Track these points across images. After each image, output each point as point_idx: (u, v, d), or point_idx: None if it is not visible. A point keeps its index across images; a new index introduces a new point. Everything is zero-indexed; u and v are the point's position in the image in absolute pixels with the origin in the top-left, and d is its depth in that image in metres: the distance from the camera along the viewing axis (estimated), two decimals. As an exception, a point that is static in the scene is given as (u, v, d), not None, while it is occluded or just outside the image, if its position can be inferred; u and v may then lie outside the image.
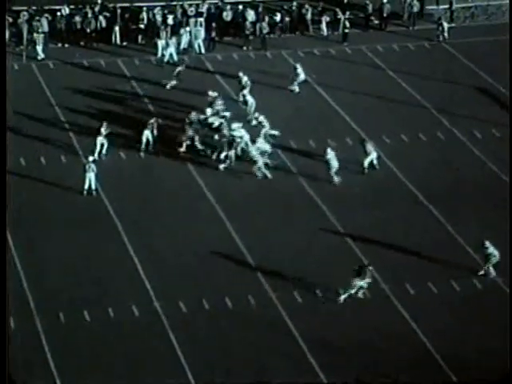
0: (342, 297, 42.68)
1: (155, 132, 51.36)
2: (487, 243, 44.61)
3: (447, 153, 53.01)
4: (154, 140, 51.35)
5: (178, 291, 43.06)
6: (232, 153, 51.09)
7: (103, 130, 50.92)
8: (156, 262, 44.81)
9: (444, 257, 45.46)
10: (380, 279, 44.12)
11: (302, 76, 57.28)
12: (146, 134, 51.27)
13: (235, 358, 39.79)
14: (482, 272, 44.82)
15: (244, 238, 46.29)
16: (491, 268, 44.60)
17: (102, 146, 50.78)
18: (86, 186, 48.34)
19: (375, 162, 50.81)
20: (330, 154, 49.97)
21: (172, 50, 60.74)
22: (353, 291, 42.70)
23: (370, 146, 51.11)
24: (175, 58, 60.64)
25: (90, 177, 48.30)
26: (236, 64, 60.34)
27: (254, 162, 50.34)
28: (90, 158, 48.66)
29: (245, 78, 55.79)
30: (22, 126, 53.23)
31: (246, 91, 55.01)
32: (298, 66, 57.63)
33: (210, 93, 53.76)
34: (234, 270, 44.68)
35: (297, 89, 57.31)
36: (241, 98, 55.16)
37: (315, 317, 42.21)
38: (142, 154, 51.66)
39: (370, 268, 42.99)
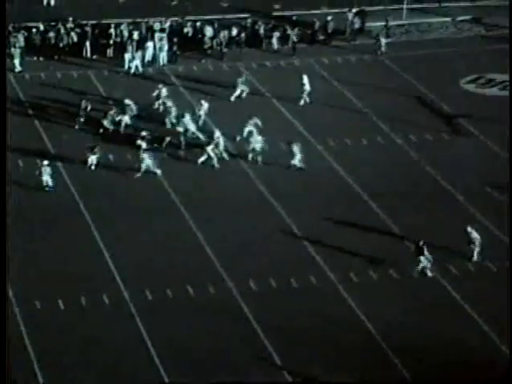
0: (419, 268, 43.25)
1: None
2: (469, 228, 44.31)
3: (386, 155, 52.67)
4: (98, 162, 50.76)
5: (143, 281, 42.46)
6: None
7: (96, 151, 49.73)
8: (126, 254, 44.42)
9: (384, 248, 44.90)
10: (328, 269, 43.63)
11: (307, 87, 56.27)
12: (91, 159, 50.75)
13: (197, 343, 39.34)
14: (475, 258, 44.22)
15: (204, 233, 45.69)
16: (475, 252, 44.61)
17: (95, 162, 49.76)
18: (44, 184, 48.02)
19: (298, 162, 50.50)
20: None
21: (137, 62, 60.30)
22: (420, 266, 43.03)
23: (296, 148, 50.68)
24: (140, 69, 60.20)
25: (47, 179, 47.65)
26: (195, 75, 59.89)
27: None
28: (45, 162, 47.71)
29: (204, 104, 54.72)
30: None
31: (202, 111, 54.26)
32: (305, 77, 56.59)
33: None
34: (195, 262, 44.06)
35: (307, 100, 56.46)
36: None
37: (270, 304, 41.61)
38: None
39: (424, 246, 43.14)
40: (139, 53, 61.12)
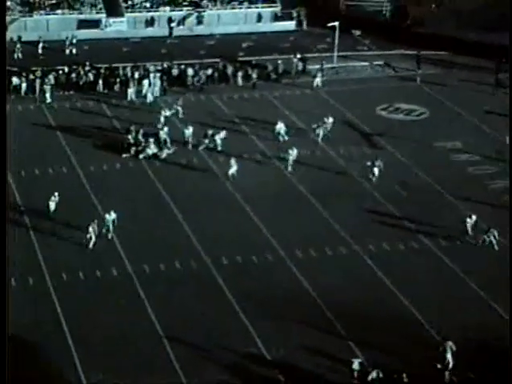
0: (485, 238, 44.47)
1: None
2: (468, 219, 44.76)
3: (323, 164, 52.78)
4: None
5: (142, 255, 42.73)
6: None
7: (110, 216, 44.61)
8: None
9: (325, 233, 45.61)
10: (279, 248, 44.06)
11: (330, 122, 55.58)
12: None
13: (182, 311, 39.15)
14: (479, 241, 44.38)
15: (190, 223, 45.87)
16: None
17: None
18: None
19: (235, 173, 50.05)
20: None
21: (149, 95, 60.45)
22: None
23: (233, 161, 50.08)
24: (135, 99, 60.22)
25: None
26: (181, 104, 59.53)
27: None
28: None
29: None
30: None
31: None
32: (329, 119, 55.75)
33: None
34: (173, 242, 44.19)
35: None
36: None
37: (240, 277, 42.01)
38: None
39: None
40: (151, 86, 60.69)
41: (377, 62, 69.17)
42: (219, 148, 53.26)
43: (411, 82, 65.42)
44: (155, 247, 44.01)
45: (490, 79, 64.64)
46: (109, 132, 56.20)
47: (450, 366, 36.12)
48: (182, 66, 64.48)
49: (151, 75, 62.41)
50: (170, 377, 35.72)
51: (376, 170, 50.70)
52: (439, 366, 35.99)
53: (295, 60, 66.65)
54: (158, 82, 62.07)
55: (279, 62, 66.00)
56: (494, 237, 44.51)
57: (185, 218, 46.51)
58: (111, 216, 44.12)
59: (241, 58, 68.35)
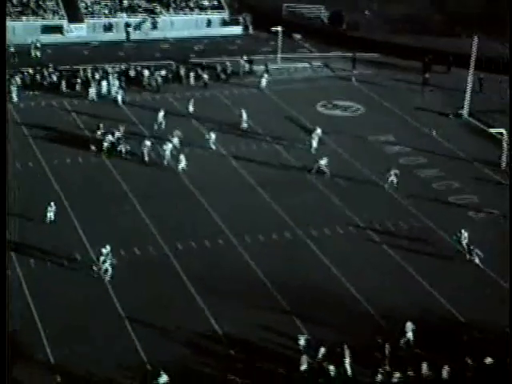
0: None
1: None
2: (463, 231, 42.27)
3: (268, 156, 52.61)
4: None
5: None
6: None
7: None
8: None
9: (271, 220, 45.28)
10: (229, 233, 43.79)
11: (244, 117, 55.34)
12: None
13: (141, 294, 38.71)
14: (474, 258, 41.51)
15: (148, 212, 45.44)
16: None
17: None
18: None
19: (185, 166, 49.66)
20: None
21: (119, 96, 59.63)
22: None
23: (181, 156, 49.63)
24: (95, 98, 59.47)
25: None
26: (138, 103, 59.57)
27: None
28: None
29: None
30: None
31: None
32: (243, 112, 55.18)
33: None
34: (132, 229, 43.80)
35: (245, 125, 55.28)
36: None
37: (194, 260, 41.64)
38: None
39: None
40: (111, 86, 60.05)
41: (316, 63, 69.23)
42: (175, 144, 52.35)
43: (347, 81, 65.48)
44: (115, 234, 43.39)
45: (417, 79, 64.95)
46: (71, 128, 55.31)
47: (411, 342, 36.01)
48: (139, 68, 64.03)
49: (110, 76, 61.80)
50: (132, 355, 35.24)
51: (394, 178, 48.82)
52: (380, 340, 35.74)
53: (242, 62, 66.45)
54: (117, 83, 61.41)
55: (228, 63, 65.78)
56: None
57: (143, 208, 45.99)
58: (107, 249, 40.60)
59: (192, 60, 67.91)
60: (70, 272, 40.15)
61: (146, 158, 50.74)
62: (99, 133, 52.93)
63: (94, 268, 40.07)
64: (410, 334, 35.98)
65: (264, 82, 63.43)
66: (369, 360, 34.73)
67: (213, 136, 53.19)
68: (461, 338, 36.68)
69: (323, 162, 50.12)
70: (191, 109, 58.17)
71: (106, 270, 39.85)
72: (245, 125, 56.03)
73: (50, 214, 43.90)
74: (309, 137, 54.17)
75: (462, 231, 42.65)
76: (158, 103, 59.75)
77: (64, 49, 68.56)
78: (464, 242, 42.46)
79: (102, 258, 39.91)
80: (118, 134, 52.74)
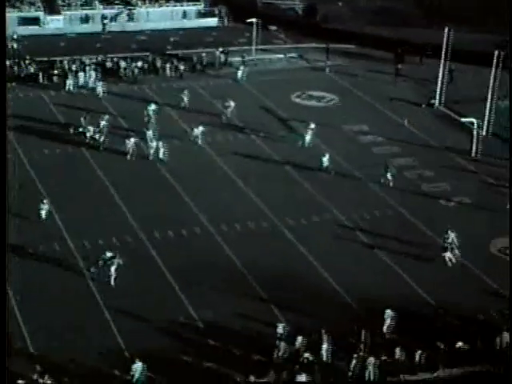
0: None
1: None
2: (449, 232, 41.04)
3: (245, 147, 52.46)
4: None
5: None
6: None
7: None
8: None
9: (247, 209, 45.41)
10: (206, 222, 43.84)
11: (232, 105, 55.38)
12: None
13: (119, 283, 38.57)
14: (452, 259, 40.69)
15: (126, 203, 45.41)
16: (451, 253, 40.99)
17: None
18: None
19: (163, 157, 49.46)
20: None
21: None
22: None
23: (160, 144, 49.55)
24: (73, 90, 59.37)
25: None
26: (116, 93, 59.41)
27: None
28: None
29: None
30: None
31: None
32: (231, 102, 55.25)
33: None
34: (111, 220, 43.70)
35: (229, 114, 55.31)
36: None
37: (171, 249, 41.78)
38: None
39: None
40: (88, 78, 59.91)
41: (291, 55, 68.96)
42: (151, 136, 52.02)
43: (322, 72, 65.51)
44: (94, 224, 43.38)
45: (391, 69, 65.12)
46: (49, 119, 55.01)
47: (391, 329, 36.24)
48: (115, 59, 63.73)
49: (87, 68, 61.54)
50: (111, 344, 35.28)
51: (389, 176, 48.29)
52: (356, 327, 36.01)
53: (218, 53, 65.97)
54: (93, 74, 61.16)
55: (203, 54, 65.39)
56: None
57: (121, 198, 45.92)
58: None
59: (169, 52, 67.38)
60: (50, 263, 40.05)
61: (129, 158, 49.98)
62: (83, 123, 52.60)
63: (93, 270, 39.24)
64: (388, 321, 36.17)
65: (240, 73, 63.14)
66: (346, 347, 34.93)
67: (199, 130, 52.41)
68: (436, 324, 36.98)
69: (325, 158, 49.57)
70: (186, 101, 57.57)
71: (109, 276, 38.77)
72: (228, 115, 55.79)
73: (43, 212, 43.23)
74: (288, 128, 54.43)
75: (449, 232, 41.72)
76: (137, 94, 59.62)
77: (41, 40, 68.02)
78: (448, 241, 41.76)
79: (101, 263, 38.89)
80: (102, 122, 52.43)
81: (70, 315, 36.52)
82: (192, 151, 51.88)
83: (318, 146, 53.18)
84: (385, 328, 36.20)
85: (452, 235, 41.40)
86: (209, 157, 51.37)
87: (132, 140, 50.64)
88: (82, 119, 52.91)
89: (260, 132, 54.73)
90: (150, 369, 33.53)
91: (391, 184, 48.00)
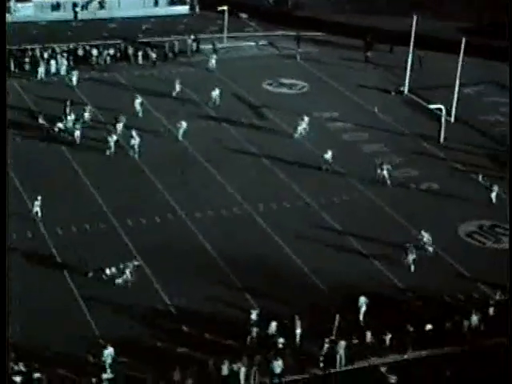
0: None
1: None
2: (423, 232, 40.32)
3: (216, 133, 52.51)
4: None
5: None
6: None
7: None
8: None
9: (219, 195, 45.35)
10: (178, 208, 43.85)
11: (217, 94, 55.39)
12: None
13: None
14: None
15: (101, 193, 45.30)
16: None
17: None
18: None
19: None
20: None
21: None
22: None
23: (119, 127, 49.72)
24: (44, 77, 58.95)
25: None
26: (87, 81, 58.85)
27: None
28: None
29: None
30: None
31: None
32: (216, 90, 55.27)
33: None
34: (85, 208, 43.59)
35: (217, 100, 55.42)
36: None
37: (144, 236, 41.63)
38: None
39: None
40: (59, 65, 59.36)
41: (262, 42, 68.87)
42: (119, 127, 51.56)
43: (292, 60, 65.38)
44: (67, 211, 43.22)
45: (361, 57, 65.16)
46: (20, 107, 54.40)
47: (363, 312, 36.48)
48: (87, 47, 63.19)
49: (58, 56, 60.97)
50: (86, 331, 35.26)
51: (386, 174, 47.02)
52: (331, 312, 36.09)
53: (189, 41, 65.79)
54: (65, 62, 60.68)
55: (175, 42, 65.09)
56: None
57: (94, 187, 45.71)
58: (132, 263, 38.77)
59: (140, 39, 67.02)
60: (22, 250, 39.81)
61: (108, 153, 49.25)
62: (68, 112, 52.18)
63: (119, 281, 37.93)
64: (364, 309, 36.25)
65: (213, 62, 62.58)
66: (319, 332, 35.01)
67: (184, 125, 51.71)
68: (404, 308, 37.29)
69: (328, 155, 48.78)
70: (178, 89, 57.05)
71: (126, 281, 37.97)
72: (216, 103, 55.80)
73: (37, 209, 42.44)
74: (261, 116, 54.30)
75: (423, 232, 41.33)
76: (107, 82, 59.27)
77: (12, 28, 65.85)
78: (421, 241, 41.43)
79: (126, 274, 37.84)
80: (86, 115, 52.28)
81: (44, 303, 36.34)
82: (164, 138, 51.63)
83: (288, 132, 53.17)
84: (361, 316, 36.31)
85: (426, 235, 41.07)
86: (180, 143, 51.19)
87: (114, 137, 49.70)
88: (65, 111, 52.35)
89: (231, 118, 54.66)
90: (124, 355, 33.48)
91: (387, 179, 46.84)
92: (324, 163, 48.56)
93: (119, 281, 37.71)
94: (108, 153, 49.05)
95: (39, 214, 42.47)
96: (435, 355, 35.06)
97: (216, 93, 56.29)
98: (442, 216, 44.26)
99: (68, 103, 53.01)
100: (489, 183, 46.54)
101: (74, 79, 58.65)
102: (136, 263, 38.40)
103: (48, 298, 36.81)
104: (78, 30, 68.76)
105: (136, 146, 49.36)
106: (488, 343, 35.46)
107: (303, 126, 52.65)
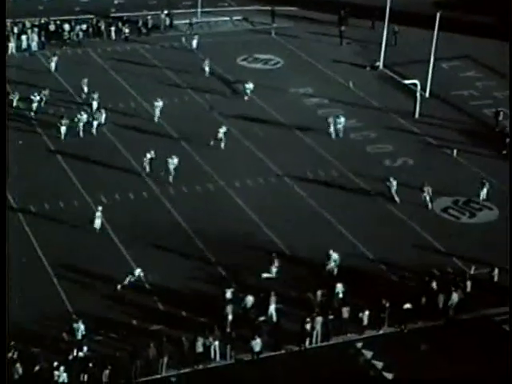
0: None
1: None
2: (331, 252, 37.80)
3: (190, 110, 51.91)
4: None
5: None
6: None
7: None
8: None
9: (193, 172, 45.09)
10: (153, 186, 43.59)
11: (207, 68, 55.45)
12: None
13: (66, 246, 38.38)
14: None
15: (76, 173, 45.15)
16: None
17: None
18: None
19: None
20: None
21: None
22: None
23: (100, 114, 48.78)
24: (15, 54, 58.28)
25: None
26: (60, 57, 57.43)
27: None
28: None
29: None
30: None
31: None
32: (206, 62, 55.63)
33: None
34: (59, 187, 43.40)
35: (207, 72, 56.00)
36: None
37: (119, 213, 41.28)
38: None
39: None
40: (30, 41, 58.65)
41: (236, 17, 68.21)
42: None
43: (267, 35, 64.82)
44: (40, 189, 42.86)
45: (335, 32, 64.45)
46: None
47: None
48: (59, 22, 62.20)
49: (29, 31, 60.15)
50: (58, 307, 34.93)
51: (428, 198, 43.31)
52: (309, 295, 35.66)
53: (163, 16, 65.00)
54: (36, 37, 59.87)
55: (148, 17, 64.18)
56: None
57: (67, 164, 45.31)
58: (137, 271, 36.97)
59: (113, 14, 66.07)
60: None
61: (82, 134, 48.38)
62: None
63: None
64: (340, 296, 35.78)
65: (195, 42, 61.33)
66: (295, 307, 34.81)
67: (160, 104, 50.72)
68: (380, 282, 37.06)
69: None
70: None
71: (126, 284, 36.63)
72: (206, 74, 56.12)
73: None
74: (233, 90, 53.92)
75: (391, 179, 42.87)
76: (80, 58, 58.67)
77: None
78: (392, 189, 42.67)
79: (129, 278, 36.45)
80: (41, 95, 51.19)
81: (17, 281, 35.65)
82: (137, 115, 51.06)
83: (263, 108, 52.67)
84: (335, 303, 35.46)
85: (394, 182, 42.76)
86: (154, 120, 50.53)
87: (84, 116, 48.91)
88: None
89: (205, 94, 54.22)
90: (97, 332, 33.27)
91: (430, 206, 43.38)
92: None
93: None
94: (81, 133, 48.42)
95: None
96: (411, 330, 34.90)
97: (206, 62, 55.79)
98: (417, 191, 43.95)
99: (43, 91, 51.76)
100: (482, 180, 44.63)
101: (53, 65, 56.82)
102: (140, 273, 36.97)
103: (21, 274, 36.19)
104: (49, 4, 67.50)
105: (100, 121, 48.77)
106: (465, 317, 35.37)
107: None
